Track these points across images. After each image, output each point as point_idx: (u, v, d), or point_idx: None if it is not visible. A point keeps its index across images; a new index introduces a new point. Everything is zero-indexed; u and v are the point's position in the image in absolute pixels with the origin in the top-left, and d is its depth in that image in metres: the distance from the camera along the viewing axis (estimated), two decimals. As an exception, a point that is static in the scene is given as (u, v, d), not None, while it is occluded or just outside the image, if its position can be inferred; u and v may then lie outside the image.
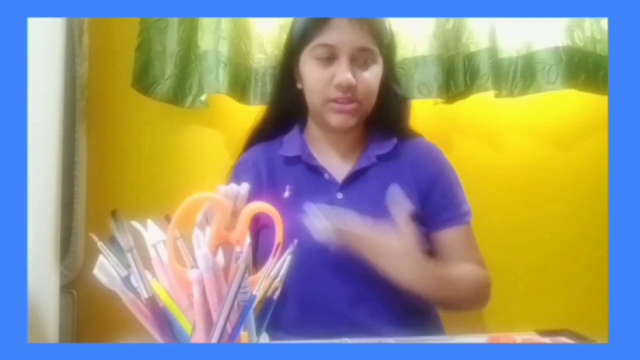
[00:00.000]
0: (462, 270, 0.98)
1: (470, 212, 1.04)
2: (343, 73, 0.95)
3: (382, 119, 1.04)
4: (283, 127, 1.08)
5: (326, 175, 1.02)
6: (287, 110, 1.08)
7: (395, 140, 1.04)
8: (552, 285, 1.34)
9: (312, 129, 1.07)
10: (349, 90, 0.96)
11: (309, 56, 0.98)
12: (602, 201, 1.14)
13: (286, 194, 1.01)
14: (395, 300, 0.94)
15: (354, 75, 0.95)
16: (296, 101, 1.04)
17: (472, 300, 1.01)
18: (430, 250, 1.02)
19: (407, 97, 1.11)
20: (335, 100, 0.97)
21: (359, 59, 0.97)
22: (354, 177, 1.02)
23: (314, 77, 0.98)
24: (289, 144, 1.06)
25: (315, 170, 1.03)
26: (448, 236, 1.02)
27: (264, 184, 1.03)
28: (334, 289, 0.96)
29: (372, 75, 0.98)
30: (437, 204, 1.02)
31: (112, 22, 1.29)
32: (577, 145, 1.35)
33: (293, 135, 1.07)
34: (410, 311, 0.97)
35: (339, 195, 1.01)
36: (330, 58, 0.96)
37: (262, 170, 1.04)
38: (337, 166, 1.04)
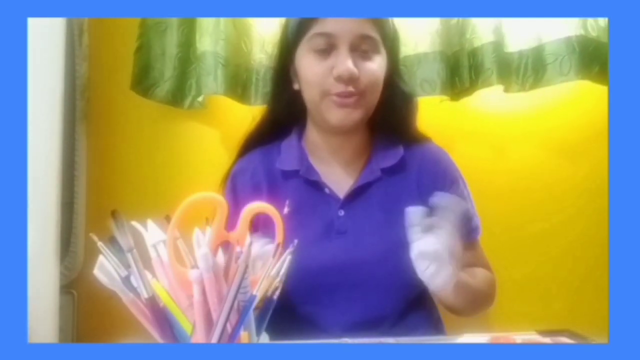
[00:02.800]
0: (474, 276, 0.96)
1: (479, 227, 1.00)
2: (343, 62, 0.88)
3: (387, 120, 0.99)
4: (281, 131, 1.03)
5: (327, 190, 0.96)
6: (284, 114, 1.02)
7: (401, 150, 0.98)
8: (552, 285, 1.34)
9: (312, 134, 1.01)
10: (351, 82, 0.89)
11: (306, 49, 0.92)
12: (602, 201, 1.14)
13: (285, 209, 0.96)
14: (396, 324, 0.93)
15: (355, 65, 0.88)
16: (293, 103, 0.99)
17: (483, 304, 0.98)
18: None
19: (413, 94, 1.04)
20: (336, 95, 0.90)
21: (360, 48, 0.90)
22: (356, 193, 0.96)
23: (312, 70, 0.91)
24: (286, 155, 1.00)
25: (315, 185, 0.97)
26: None
27: (264, 196, 0.96)
28: (331, 313, 0.93)
29: (377, 66, 0.91)
30: None
31: (112, 22, 1.29)
32: (579, 146, 1.34)
33: (290, 143, 1.01)
34: (412, 328, 0.94)
35: (341, 213, 0.95)
36: (328, 49, 0.90)
37: (261, 182, 0.99)
38: (339, 179, 0.98)
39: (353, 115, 0.92)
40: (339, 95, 0.90)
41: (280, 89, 1.01)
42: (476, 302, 0.96)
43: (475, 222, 1.00)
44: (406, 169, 0.98)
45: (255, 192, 0.98)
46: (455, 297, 0.85)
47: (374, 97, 0.94)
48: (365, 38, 0.90)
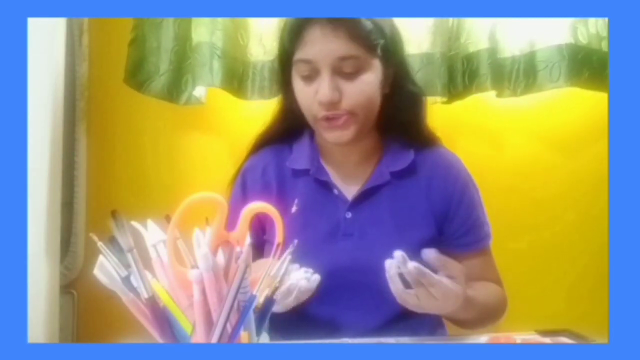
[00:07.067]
0: (490, 293, 0.95)
1: (490, 234, 0.99)
2: (323, 89, 0.87)
3: (396, 122, 0.97)
4: (295, 130, 1.01)
5: (335, 191, 0.96)
6: (297, 117, 0.98)
7: (412, 155, 0.96)
8: (552, 285, 1.34)
9: (321, 138, 0.99)
10: (333, 107, 0.88)
11: (295, 73, 0.92)
12: (602, 201, 1.14)
13: (293, 209, 0.95)
14: (399, 327, 0.91)
15: (338, 88, 0.88)
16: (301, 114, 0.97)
17: (493, 320, 0.96)
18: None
19: (421, 93, 1.01)
20: (324, 118, 0.90)
21: (344, 69, 0.88)
22: (364, 196, 0.95)
23: (301, 95, 0.92)
24: (298, 154, 0.99)
25: (325, 185, 0.96)
26: (468, 261, 0.94)
27: (273, 195, 0.97)
28: (335, 315, 0.93)
29: (364, 84, 0.89)
30: (458, 227, 0.96)
31: (112, 22, 1.29)
32: (578, 146, 1.35)
33: (302, 143, 1.00)
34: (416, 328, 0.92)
35: (348, 215, 0.95)
36: (312, 74, 0.89)
37: (271, 180, 0.99)
38: (348, 180, 0.97)
39: (346, 134, 0.91)
40: (325, 119, 0.90)
41: (287, 100, 0.99)
42: (483, 318, 0.94)
43: (486, 230, 0.99)
44: (416, 174, 0.97)
45: (265, 190, 0.98)
46: (463, 313, 0.84)
47: (367, 113, 0.92)
48: (346, 59, 0.87)
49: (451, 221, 0.96)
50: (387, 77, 0.93)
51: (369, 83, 0.90)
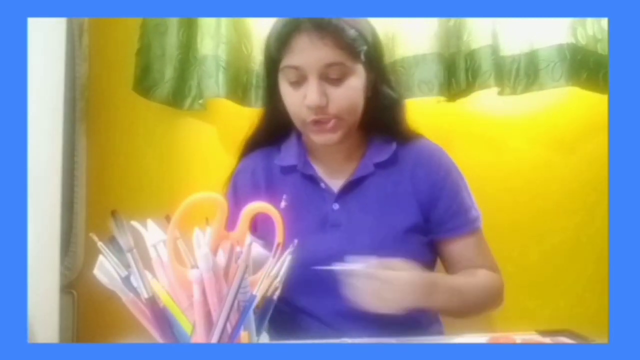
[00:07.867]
0: (473, 278, 0.96)
1: (479, 217, 1.00)
2: (311, 94, 0.90)
3: (377, 123, 1.00)
4: (281, 133, 1.05)
5: (322, 185, 0.99)
6: (282, 120, 1.02)
7: (394, 146, 1.00)
8: (552, 285, 1.34)
9: (308, 137, 1.02)
10: (321, 111, 0.91)
11: (282, 78, 0.94)
12: (602, 201, 1.15)
13: (282, 204, 0.99)
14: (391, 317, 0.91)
15: (325, 93, 0.91)
16: (287, 114, 0.99)
17: (484, 306, 0.97)
18: (435, 260, 1.02)
19: (401, 98, 1.05)
20: (313, 122, 0.93)
21: (330, 75, 0.91)
22: (350, 187, 0.98)
23: (288, 100, 0.94)
24: (285, 152, 1.03)
25: (311, 180, 1.00)
26: (457, 245, 0.99)
27: (262, 193, 1.01)
28: (325, 304, 0.94)
29: (349, 89, 0.92)
30: (444, 212, 0.98)
31: (112, 22, 1.29)
32: (577, 145, 1.35)
33: (290, 143, 1.04)
34: (410, 324, 0.92)
35: (335, 206, 0.98)
36: (300, 80, 0.92)
37: (260, 179, 1.03)
38: (334, 175, 1.01)
39: (335, 137, 0.94)
40: (314, 123, 0.93)
41: (274, 101, 1.01)
42: (475, 306, 0.95)
43: (473, 213, 1.00)
44: (399, 163, 1.00)
45: (255, 189, 1.02)
46: (447, 304, 0.87)
47: (352, 117, 0.95)
48: (332, 65, 0.90)
49: (435, 207, 0.98)
50: (370, 81, 0.97)
51: (353, 88, 0.93)
